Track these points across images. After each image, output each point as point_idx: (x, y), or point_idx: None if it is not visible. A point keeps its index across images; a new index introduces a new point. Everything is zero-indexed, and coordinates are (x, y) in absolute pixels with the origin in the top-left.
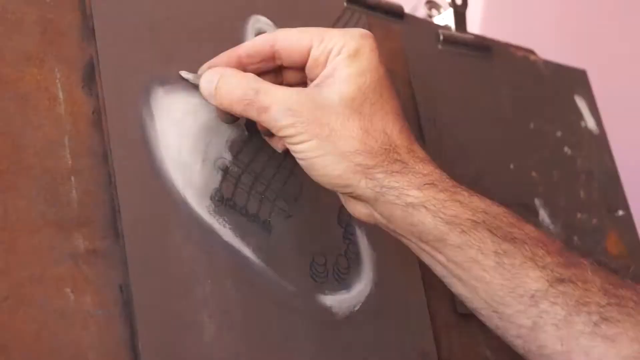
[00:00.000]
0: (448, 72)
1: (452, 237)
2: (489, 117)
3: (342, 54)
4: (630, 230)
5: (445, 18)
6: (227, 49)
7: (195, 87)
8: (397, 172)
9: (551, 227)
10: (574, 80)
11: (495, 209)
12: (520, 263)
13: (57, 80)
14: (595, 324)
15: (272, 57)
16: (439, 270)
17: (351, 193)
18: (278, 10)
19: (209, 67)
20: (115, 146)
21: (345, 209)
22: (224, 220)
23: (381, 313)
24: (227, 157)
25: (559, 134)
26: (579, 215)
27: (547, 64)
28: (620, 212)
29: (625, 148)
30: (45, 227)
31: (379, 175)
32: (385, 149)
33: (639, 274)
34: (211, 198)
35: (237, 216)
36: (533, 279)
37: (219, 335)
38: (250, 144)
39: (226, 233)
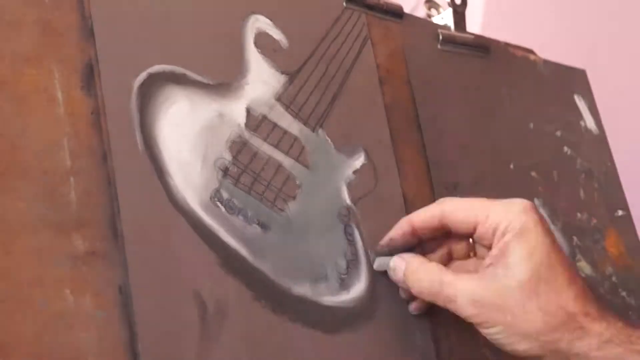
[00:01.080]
0: (447, 71)
1: None
2: (489, 116)
3: (508, 234)
4: (630, 230)
5: (444, 18)
6: (227, 49)
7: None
8: (577, 339)
9: (551, 226)
10: (574, 80)
11: None
12: None
13: (56, 81)
14: None
15: (442, 228)
16: None
17: (537, 358)
18: (277, 9)
19: (389, 244)
20: (115, 147)
21: (345, 210)
22: (224, 220)
23: (380, 313)
24: (227, 157)
25: (558, 133)
26: (578, 215)
27: (547, 63)
28: (620, 212)
29: (625, 148)
30: (44, 228)
31: (563, 347)
32: (564, 321)
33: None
34: (211, 198)
35: (236, 217)
36: None
37: (219, 337)
38: (249, 144)
39: (225, 233)
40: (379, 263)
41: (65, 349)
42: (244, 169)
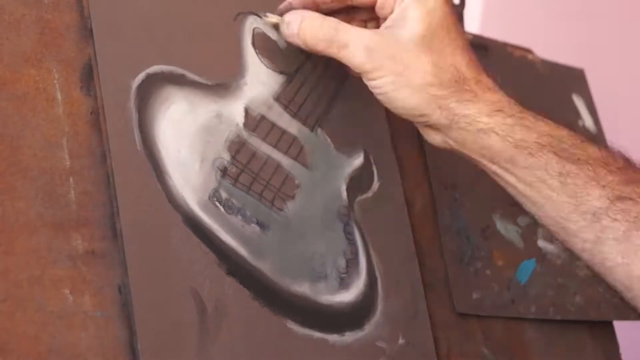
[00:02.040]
0: None
1: (520, 159)
2: None
3: None
4: None
5: None
6: (225, 49)
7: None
8: (468, 100)
9: None
10: (572, 79)
11: (560, 131)
12: (584, 183)
13: (55, 81)
14: None
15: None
16: (510, 190)
17: (427, 122)
18: (275, 9)
19: (287, 7)
20: (114, 147)
21: (344, 209)
22: (223, 220)
23: (380, 312)
24: (226, 157)
25: None
26: None
27: (545, 63)
28: None
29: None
30: (44, 228)
31: (452, 105)
32: (456, 81)
33: None
34: (209, 198)
35: (235, 216)
36: (595, 197)
37: (217, 336)
38: (248, 144)
39: (224, 233)
40: (271, 18)
41: (64, 349)
42: (242, 169)
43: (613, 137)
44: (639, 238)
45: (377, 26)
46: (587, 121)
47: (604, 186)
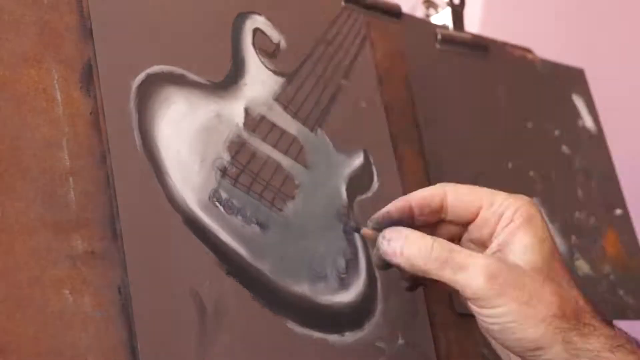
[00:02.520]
0: (446, 71)
1: None
2: (487, 116)
3: (516, 221)
4: (628, 229)
5: (443, 17)
6: (225, 49)
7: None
8: (589, 334)
9: (549, 226)
10: (572, 79)
11: None
12: None
13: (55, 82)
14: None
15: (440, 211)
16: None
17: (539, 356)
18: (275, 9)
19: (384, 219)
20: (114, 147)
21: (344, 209)
22: (222, 220)
23: (379, 313)
24: (226, 157)
25: (556, 133)
26: (577, 214)
27: (545, 63)
28: (618, 211)
29: (623, 147)
30: (44, 228)
31: (575, 338)
32: (577, 314)
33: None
34: (209, 198)
35: (235, 216)
36: None
37: (217, 336)
38: (248, 144)
39: (224, 233)
40: (368, 233)
41: (64, 349)
42: (242, 169)
43: (613, 137)
44: None
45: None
46: (587, 121)
47: None
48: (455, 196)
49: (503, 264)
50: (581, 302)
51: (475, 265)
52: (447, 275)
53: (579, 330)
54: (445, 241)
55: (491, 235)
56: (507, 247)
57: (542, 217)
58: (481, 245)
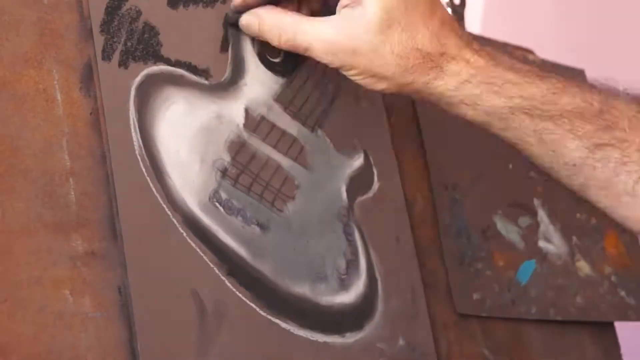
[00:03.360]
0: None
1: (494, 123)
2: None
3: None
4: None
5: None
6: (224, 49)
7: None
8: (434, 79)
9: (550, 227)
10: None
11: (530, 90)
12: (560, 137)
13: (55, 82)
14: (635, 182)
15: None
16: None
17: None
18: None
19: (244, 5)
20: (114, 147)
21: (344, 210)
22: (222, 221)
23: (380, 313)
24: (226, 158)
25: None
26: (577, 215)
27: (545, 63)
28: None
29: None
30: (44, 229)
31: (419, 87)
32: (419, 63)
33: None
34: (209, 199)
35: (235, 217)
36: (573, 149)
37: (217, 337)
38: (248, 144)
39: (224, 234)
40: (228, 20)
41: (64, 349)
42: (242, 170)
43: None
44: (620, 184)
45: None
46: None
47: (580, 137)
48: None
49: (339, 34)
50: (426, 46)
51: (315, 42)
52: (301, 52)
53: (422, 78)
54: (292, 20)
55: None
56: (355, 3)
57: None
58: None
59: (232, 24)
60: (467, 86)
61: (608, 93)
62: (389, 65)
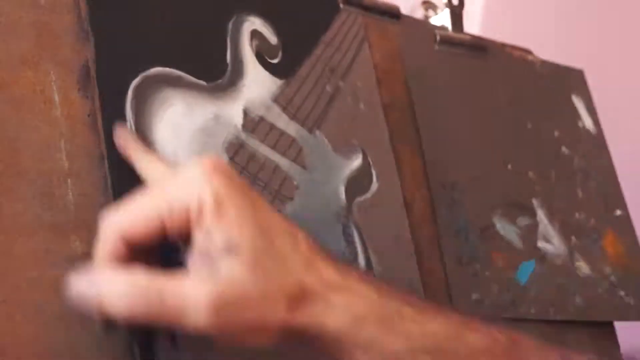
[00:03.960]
0: (445, 72)
1: None
2: (486, 117)
3: (204, 217)
4: (628, 229)
5: (441, 18)
6: (222, 51)
7: None
8: (321, 312)
9: (549, 227)
10: (572, 80)
11: (433, 325)
12: None
13: (53, 83)
14: None
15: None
16: None
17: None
18: (273, 11)
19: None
20: (112, 148)
21: (343, 210)
22: None
23: None
24: (224, 158)
25: (556, 133)
26: (576, 215)
27: (544, 63)
28: (618, 212)
29: (622, 148)
30: (42, 230)
31: (305, 325)
32: (299, 300)
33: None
34: None
35: None
36: None
37: None
38: (246, 145)
39: None
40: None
41: (64, 350)
42: (241, 171)
43: (613, 138)
44: None
45: None
46: (587, 122)
47: None
48: (132, 231)
49: (218, 285)
50: (305, 276)
51: (192, 299)
52: (166, 320)
53: (309, 313)
54: (149, 279)
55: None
56: (210, 254)
57: (228, 190)
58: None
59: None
60: (360, 325)
61: (505, 325)
62: (276, 313)
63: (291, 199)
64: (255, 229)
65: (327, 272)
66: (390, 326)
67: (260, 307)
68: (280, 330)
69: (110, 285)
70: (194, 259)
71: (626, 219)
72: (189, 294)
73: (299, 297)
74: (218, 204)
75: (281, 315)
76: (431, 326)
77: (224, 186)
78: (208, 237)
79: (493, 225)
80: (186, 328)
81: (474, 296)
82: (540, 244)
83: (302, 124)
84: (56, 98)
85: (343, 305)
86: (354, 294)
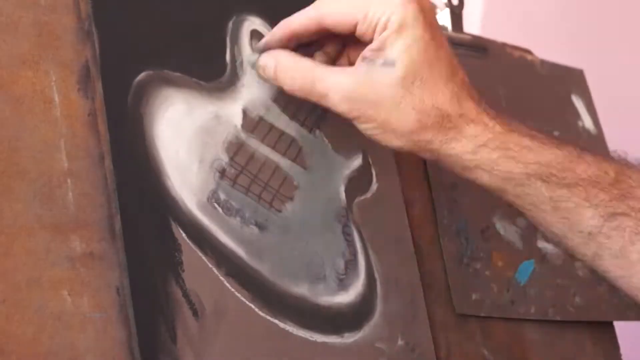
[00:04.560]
0: None
1: (509, 189)
2: None
3: (387, 30)
4: None
5: (441, 18)
6: (223, 51)
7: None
8: (451, 139)
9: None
10: (571, 80)
11: (547, 155)
12: (575, 206)
13: (53, 83)
14: None
15: (319, 30)
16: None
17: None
18: (273, 11)
19: (265, 46)
20: (112, 148)
21: (343, 210)
22: (221, 221)
23: (379, 314)
24: (224, 158)
25: (556, 133)
26: None
27: (544, 63)
28: None
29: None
30: (42, 230)
31: (436, 147)
32: (439, 122)
33: None
34: (208, 199)
35: (233, 217)
36: (588, 217)
37: (216, 338)
38: (246, 145)
39: (223, 234)
40: (248, 60)
41: (63, 350)
42: (241, 170)
43: (613, 138)
44: (634, 253)
45: (355, 53)
46: (587, 122)
47: (596, 205)
48: (330, 15)
49: (360, 85)
50: (447, 106)
51: (333, 90)
52: (314, 100)
53: (440, 137)
54: (310, 67)
55: (370, 44)
56: (376, 55)
57: (418, 17)
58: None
59: (251, 64)
60: (484, 150)
61: (623, 163)
62: (408, 121)
63: (291, 198)
64: (420, 56)
65: (467, 106)
66: (508, 153)
67: (393, 111)
68: (405, 138)
69: (285, 61)
70: (357, 62)
71: None
72: (332, 82)
73: (436, 120)
74: (400, 26)
75: (409, 127)
76: (547, 155)
77: (413, 14)
78: (378, 47)
79: (493, 226)
80: (328, 107)
81: (474, 296)
82: (540, 244)
83: (302, 123)
84: (56, 98)
85: (470, 135)
86: (482, 127)
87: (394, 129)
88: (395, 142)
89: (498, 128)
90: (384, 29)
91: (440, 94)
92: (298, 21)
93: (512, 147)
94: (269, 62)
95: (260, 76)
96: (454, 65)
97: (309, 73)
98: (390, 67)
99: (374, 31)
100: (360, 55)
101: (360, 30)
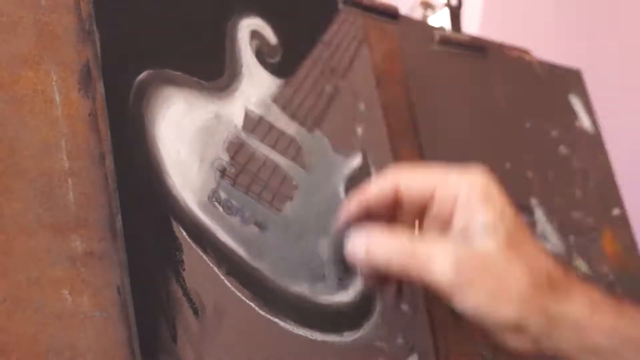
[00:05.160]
0: (443, 72)
1: (628, 354)
2: (485, 117)
3: (472, 199)
4: (626, 228)
5: (440, 19)
6: (223, 51)
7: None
8: (565, 298)
9: (547, 225)
10: (569, 80)
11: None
12: None
13: (53, 83)
14: None
15: (395, 202)
16: None
17: (523, 335)
18: (273, 11)
19: (347, 222)
20: (112, 147)
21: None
22: (221, 220)
23: (378, 313)
24: (224, 157)
25: (554, 133)
26: (574, 214)
27: (542, 63)
28: (616, 211)
29: (620, 147)
30: (42, 229)
31: (551, 304)
32: (550, 282)
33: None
34: (208, 198)
35: (234, 217)
36: None
37: (216, 337)
38: (247, 145)
39: (223, 233)
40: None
41: (63, 349)
42: (241, 170)
43: (611, 138)
44: None
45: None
46: (585, 122)
47: None
48: (408, 183)
49: (468, 251)
50: (552, 267)
51: (439, 253)
52: (414, 274)
53: (554, 296)
54: (406, 236)
55: (450, 215)
56: (469, 229)
57: (498, 187)
58: (442, 226)
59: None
60: (601, 309)
61: None
62: (521, 281)
63: (291, 198)
64: (511, 222)
65: (568, 271)
66: (624, 314)
67: (503, 274)
68: (519, 300)
69: (377, 239)
70: (452, 230)
71: (624, 218)
72: (438, 253)
73: (546, 282)
74: (485, 193)
75: (524, 287)
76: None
77: (491, 182)
78: (469, 216)
79: None
80: (430, 282)
81: None
82: (540, 243)
83: (302, 123)
84: (57, 98)
85: (582, 293)
86: (589, 285)
87: (506, 294)
88: (506, 311)
89: (604, 290)
90: (467, 200)
91: (543, 256)
92: (374, 193)
93: (627, 309)
94: (357, 242)
95: (350, 259)
96: (536, 239)
97: (406, 242)
98: (491, 233)
99: (454, 202)
100: (451, 234)
101: (439, 199)
